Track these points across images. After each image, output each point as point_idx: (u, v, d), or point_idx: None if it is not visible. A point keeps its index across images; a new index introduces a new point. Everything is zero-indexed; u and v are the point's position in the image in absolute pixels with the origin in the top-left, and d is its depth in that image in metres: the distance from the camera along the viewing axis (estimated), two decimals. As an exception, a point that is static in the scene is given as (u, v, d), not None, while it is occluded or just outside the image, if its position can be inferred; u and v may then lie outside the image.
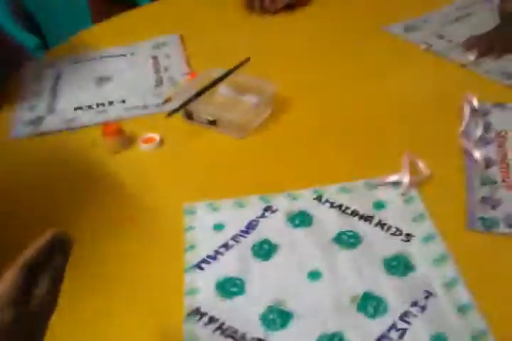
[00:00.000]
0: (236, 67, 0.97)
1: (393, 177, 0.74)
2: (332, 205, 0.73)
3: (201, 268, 0.66)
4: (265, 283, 0.63)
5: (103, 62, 1.14)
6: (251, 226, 0.71)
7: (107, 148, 0.86)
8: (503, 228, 0.66)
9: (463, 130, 0.83)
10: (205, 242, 0.69)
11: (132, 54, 1.16)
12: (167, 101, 0.99)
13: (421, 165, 0.76)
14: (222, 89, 0.98)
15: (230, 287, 0.63)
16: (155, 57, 1.14)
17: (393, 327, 0.57)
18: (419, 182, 0.74)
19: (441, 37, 1.10)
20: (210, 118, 0.89)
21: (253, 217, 0.72)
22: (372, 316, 0.58)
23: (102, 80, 1.07)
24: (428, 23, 1.16)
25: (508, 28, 1.03)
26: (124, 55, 1.15)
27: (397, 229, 0.68)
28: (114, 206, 0.77)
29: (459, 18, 1.17)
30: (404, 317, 0.58)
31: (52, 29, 1.65)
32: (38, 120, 0.97)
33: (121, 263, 0.69)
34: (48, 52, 1.26)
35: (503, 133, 0.82)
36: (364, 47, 1.10)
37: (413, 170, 0.75)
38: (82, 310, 0.63)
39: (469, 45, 1.03)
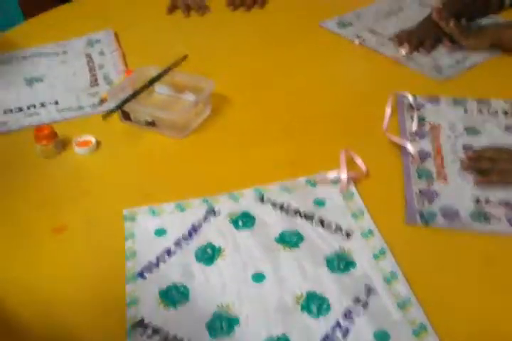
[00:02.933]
0: (173, 65, 0.95)
1: (332, 174, 0.75)
2: (274, 205, 0.73)
3: (143, 277, 0.64)
4: (210, 288, 0.63)
5: (33, 61, 1.09)
6: (194, 230, 0.70)
7: (40, 153, 0.83)
8: (440, 221, 0.68)
9: (392, 125, 0.85)
10: (147, 249, 0.68)
11: (64, 52, 1.12)
12: (103, 101, 0.96)
13: (359, 161, 0.77)
14: (159, 88, 0.96)
15: (173, 295, 0.62)
16: (88, 55, 1.11)
17: (337, 325, 0.58)
18: (357, 179, 0.75)
19: (373, 32, 1.12)
20: (149, 119, 0.87)
21: (195, 221, 0.71)
22: (316, 315, 0.59)
23: (32, 80, 1.03)
24: (361, 18, 1.18)
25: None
26: (56, 54, 1.11)
27: (337, 226, 0.69)
28: (46, 216, 0.73)
29: (390, 12, 1.20)
30: (347, 314, 0.59)
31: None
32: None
33: (57, 273, 0.66)
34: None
35: (437, 126, 0.84)
36: (301, 43, 1.11)
37: (352, 166, 0.76)
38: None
39: (400, 39, 1.05)
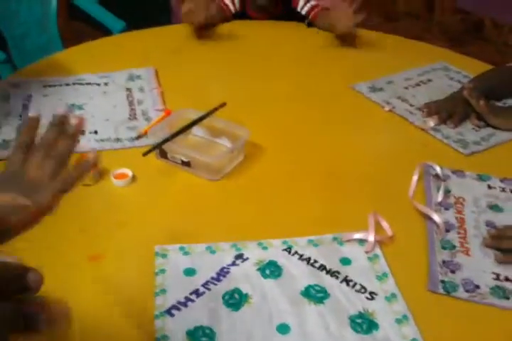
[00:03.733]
0: (212, 111, 0.99)
1: (359, 235, 0.77)
2: (301, 257, 0.75)
3: (172, 315, 0.66)
4: (235, 333, 0.64)
5: (76, 88, 1.13)
6: (222, 274, 0.72)
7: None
8: (461, 293, 0.70)
9: (418, 194, 0.88)
10: (176, 287, 0.69)
11: (106, 84, 1.16)
12: (140, 136, 0.99)
13: (385, 225, 0.79)
14: (196, 130, 1.00)
15: (200, 336, 0.63)
16: (129, 89, 1.15)
17: None
18: (382, 242, 0.78)
19: (403, 99, 1.17)
20: (185, 159, 0.90)
21: (224, 264, 0.73)
22: None
23: (73, 107, 1.06)
24: (391, 85, 1.23)
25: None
26: (98, 84, 1.15)
27: (362, 287, 0.71)
28: (83, 243, 0.75)
29: (420, 83, 1.26)
30: None
31: (18, 47, 1.62)
32: (4, 143, 0.95)
33: (88, 305, 0.67)
34: (17, 72, 1.24)
35: (461, 200, 0.87)
36: (333, 101, 1.16)
37: (377, 229, 0.79)
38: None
39: (429, 110, 1.10)
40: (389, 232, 0.79)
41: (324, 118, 1.10)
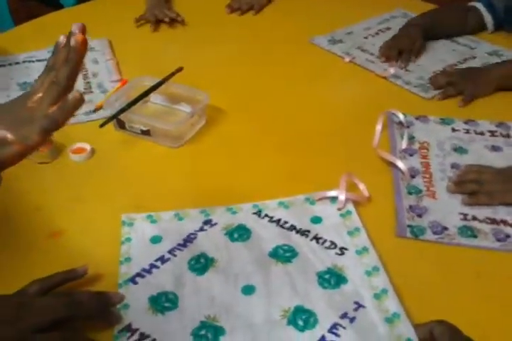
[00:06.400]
0: (169, 77, 0.96)
1: (331, 193, 0.76)
2: (271, 220, 0.74)
3: (135, 282, 0.65)
4: (199, 298, 0.63)
5: (26, 66, 1.09)
6: (189, 240, 0.71)
7: (34, 159, 0.83)
8: (429, 235, 0.70)
9: (383, 142, 0.87)
10: (141, 255, 0.68)
11: (57, 59, 1.12)
12: (97, 109, 0.96)
13: (361, 187, 0.77)
14: (154, 98, 0.98)
15: (163, 302, 0.62)
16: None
17: (322, 339, 0.58)
18: (357, 201, 0.76)
19: (363, 49, 1.15)
20: (144, 128, 0.88)
21: (192, 230, 0.72)
22: (302, 329, 0.59)
23: (25, 86, 1.03)
24: (351, 36, 1.21)
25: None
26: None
27: (332, 243, 0.70)
28: (41, 221, 0.74)
29: (379, 31, 1.23)
30: (333, 329, 0.59)
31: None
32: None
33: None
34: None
35: (425, 145, 0.87)
36: (293, 58, 1.14)
37: (352, 188, 0.77)
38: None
39: (383, 55, 1.11)
40: (365, 193, 0.76)
41: (285, 76, 1.08)
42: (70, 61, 0.51)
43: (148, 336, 0.59)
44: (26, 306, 0.54)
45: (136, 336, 0.59)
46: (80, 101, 0.51)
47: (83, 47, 0.52)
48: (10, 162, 0.51)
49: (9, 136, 0.50)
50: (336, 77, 1.08)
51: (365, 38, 1.20)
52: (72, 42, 0.51)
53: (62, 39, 0.53)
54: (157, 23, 1.27)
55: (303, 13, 1.31)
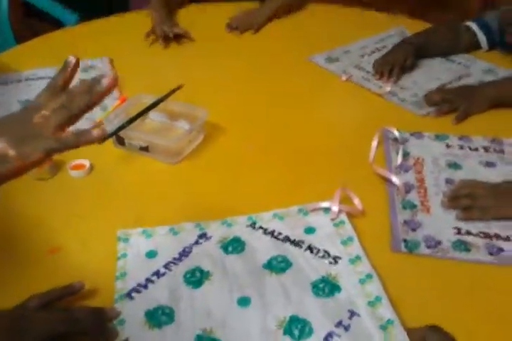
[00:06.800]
0: (168, 94, 0.97)
1: (324, 204, 0.77)
2: (265, 231, 0.75)
3: (131, 297, 0.65)
4: (195, 311, 0.64)
5: (28, 84, 1.11)
6: (184, 254, 0.71)
7: (33, 175, 0.84)
8: (423, 249, 0.71)
9: (378, 158, 0.88)
10: (137, 270, 0.69)
11: (59, 77, 1.14)
12: (97, 126, 0.97)
13: (356, 201, 0.78)
14: (153, 115, 0.99)
15: (159, 316, 0.63)
16: (82, 81, 1.13)
17: None
18: (351, 214, 0.77)
19: (359, 68, 1.17)
20: (143, 144, 0.90)
21: (187, 244, 0.73)
22: (298, 339, 0.60)
23: (26, 103, 1.04)
24: (348, 54, 1.23)
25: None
26: (51, 78, 1.13)
27: (326, 252, 0.71)
28: (40, 237, 0.74)
29: (375, 50, 1.25)
30: (328, 337, 0.60)
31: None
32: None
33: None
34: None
35: (420, 161, 0.88)
36: (291, 76, 1.16)
37: (346, 201, 0.78)
38: None
39: (377, 71, 1.12)
40: (359, 206, 0.77)
41: (282, 93, 1.10)
42: (90, 97, 0.52)
43: None
44: (25, 320, 0.55)
45: None
46: (98, 139, 0.53)
47: (109, 92, 0.54)
48: (9, 177, 0.52)
49: (10, 151, 0.50)
50: (333, 95, 1.10)
51: (362, 56, 1.22)
52: (103, 85, 0.52)
53: (71, 59, 0.55)
54: (166, 39, 1.29)
55: (302, 32, 1.34)
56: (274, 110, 1.04)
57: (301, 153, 0.92)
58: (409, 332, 0.59)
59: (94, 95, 0.53)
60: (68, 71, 0.56)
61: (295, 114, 1.03)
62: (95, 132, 0.53)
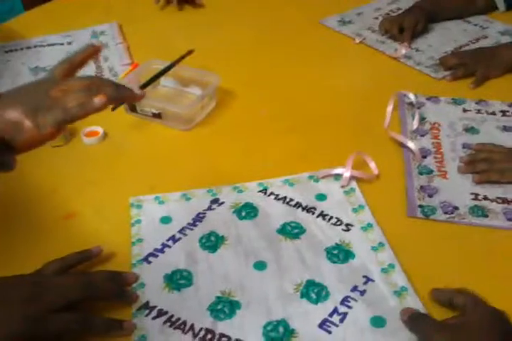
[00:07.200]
0: (179, 59, 0.96)
1: (336, 170, 0.76)
2: (277, 197, 0.75)
3: (148, 262, 0.66)
4: (213, 274, 0.64)
5: (37, 51, 1.10)
6: (198, 219, 0.72)
7: (49, 142, 0.83)
8: (440, 215, 0.70)
9: (394, 123, 0.87)
10: (152, 235, 0.70)
11: (69, 43, 1.13)
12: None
13: (372, 165, 0.77)
14: (165, 81, 0.98)
15: (177, 279, 0.64)
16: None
17: (335, 311, 0.60)
18: (365, 179, 0.76)
19: (373, 30, 1.14)
20: (155, 111, 0.89)
21: (200, 210, 0.73)
22: (315, 302, 0.61)
23: (37, 70, 1.04)
24: (361, 16, 1.20)
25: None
26: (62, 44, 1.12)
27: (338, 219, 0.71)
28: (55, 204, 0.75)
29: (390, 12, 1.22)
30: (344, 301, 0.61)
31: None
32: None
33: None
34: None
35: (436, 125, 0.86)
36: (303, 40, 1.14)
37: (361, 166, 0.77)
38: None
39: (386, 29, 1.10)
40: (375, 171, 0.77)
41: (296, 57, 1.08)
42: (120, 93, 0.57)
43: (166, 312, 0.60)
44: (43, 285, 0.55)
45: (154, 313, 0.60)
46: (102, 107, 0.54)
47: (138, 99, 0.61)
48: (25, 147, 0.52)
49: (26, 121, 0.51)
50: (347, 58, 1.08)
51: (376, 18, 1.18)
52: (137, 95, 0.59)
53: (96, 44, 0.62)
54: (180, 1, 1.26)
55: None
56: (286, 75, 1.02)
57: (313, 119, 0.91)
58: (436, 292, 0.60)
59: (122, 95, 0.57)
60: (89, 52, 0.59)
61: (307, 79, 1.01)
62: (97, 100, 0.53)
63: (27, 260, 0.64)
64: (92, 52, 0.60)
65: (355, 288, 0.62)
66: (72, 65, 0.58)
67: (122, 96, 0.58)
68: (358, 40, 1.10)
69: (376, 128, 0.87)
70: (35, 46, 1.12)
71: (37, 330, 0.52)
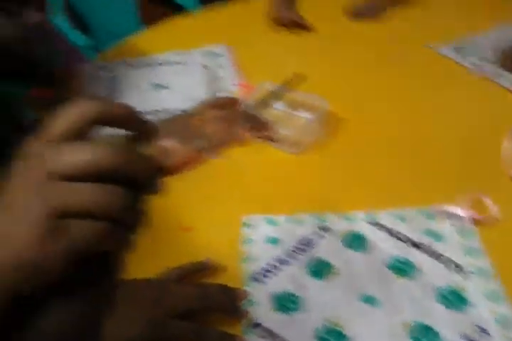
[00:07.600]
0: (291, 83, 0.98)
1: (451, 208, 0.74)
2: (386, 231, 0.74)
3: (258, 281, 0.68)
4: (321, 302, 0.65)
5: (159, 68, 1.17)
6: (306, 244, 0.73)
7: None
8: None
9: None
10: (262, 255, 0.72)
11: (184, 62, 1.18)
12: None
13: (489, 203, 0.75)
14: (275, 104, 1.00)
15: (286, 302, 0.65)
16: (206, 67, 1.16)
17: None
18: (480, 220, 0.74)
19: (489, 61, 1.11)
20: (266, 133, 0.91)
21: (308, 235, 0.74)
22: None
23: (158, 86, 1.10)
24: (478, 45, 1.17)
25: None
26: (177, 63, 1.18)
27: (451, 261, 0.69)
28: (177, 214, 0.79)
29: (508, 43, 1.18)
30: None
31: (98, 29, 1.67)
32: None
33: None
34: (101, 55, 1.29)
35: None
36: (414, 67, 1.12)
37: (477, 205, 0.75)
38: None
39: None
40: (496, 214, 0.74)
41: (407, 85, 1.06)
42: None
43: (275, 334, 0.61)
44: (167, 290, 0.58)
45: (263, 332, 0.62)
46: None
47: None
48: (172, 171, 0.56)
49: (179, 148, 0.55)
50: (462, 89, 1.05)
51: (492, 50, 1.15)
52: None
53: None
54: (293, 24, 1.29)
55: (426, 19, 1.28)
56: (398, 102, 1.02)
57: (423, 150, 0.90)
58: None
59: None
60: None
61: (420, 107, 1.00)
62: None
63: (146, 266, 0.67)
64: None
65: (466, 337, 0.60)
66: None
67: None
68: (473, 70, 1.08)
69: (492, 165, 0.84)
70: (155, 64, 1.18)
71: (156, 335, 0.54)
